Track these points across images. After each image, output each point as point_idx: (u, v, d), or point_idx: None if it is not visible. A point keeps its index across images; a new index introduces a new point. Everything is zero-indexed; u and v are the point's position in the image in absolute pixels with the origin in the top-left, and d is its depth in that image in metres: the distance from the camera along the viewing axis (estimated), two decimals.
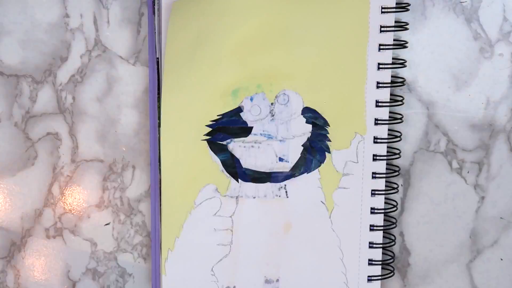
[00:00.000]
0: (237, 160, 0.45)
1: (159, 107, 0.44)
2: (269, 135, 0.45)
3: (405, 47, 0.44)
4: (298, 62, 0.44)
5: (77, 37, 0.46)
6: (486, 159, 0.46)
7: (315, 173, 0.45)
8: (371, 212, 0.45)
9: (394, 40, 0.43)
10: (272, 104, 0.44)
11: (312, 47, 0.44)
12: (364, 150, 0.44)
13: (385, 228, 0.45)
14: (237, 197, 0.45)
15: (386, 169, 0.45)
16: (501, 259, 0.46)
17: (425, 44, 0.45)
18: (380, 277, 0.45)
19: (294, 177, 0.45)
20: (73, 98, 0.47)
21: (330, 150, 0.44)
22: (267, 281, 0.46)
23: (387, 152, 0.44)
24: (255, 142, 0.45)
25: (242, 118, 0.45)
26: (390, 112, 0.44)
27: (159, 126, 0.44)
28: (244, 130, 0.45)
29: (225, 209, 0.45)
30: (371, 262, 0.45)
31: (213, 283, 0.46)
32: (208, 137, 0.45)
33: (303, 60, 0.44)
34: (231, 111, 0.44)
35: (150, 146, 0.46)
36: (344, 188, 0.45)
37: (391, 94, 0.44)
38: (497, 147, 0.45)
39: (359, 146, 0.44)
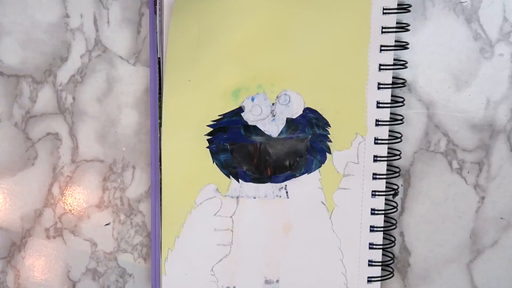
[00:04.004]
0: None
1: (160, 107, 0.44)
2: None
3: (406, 48, 0.44)
4: (300, 63, 0.44)
5: (77, 37, 0.46)
6: (486, 159, 0.46)
7: (315, 174, 0.45)
8: (372, 213, 0.45)
9: (395, 41, 0.43)
10: (273, 104, 0.44)
11: (314, 48, 0.44)
12: (365, 151, 0.44)
13: (385, 229, 0.45)
14: (237, 197, 0.45)
15: (386, 169, 0.45)
16: (501, 259, 0.46)
17: (426, 45, 0.45)
18: (380, 278, 0.45)
19: (295, 177, 0.45)
20: (73, 98, 0.47)
21: (331, 150, 0.44)
22: (267, 282, 0.46)
23: (388, 153, 0.44)
24: None
25: (243, 118, 0.44)
26: (390, 113, 0.44)
27: (160, 126, 0.44)
28: None
29: (225, 209, 0.45)
30: (371, 263, 0.45)
31: (213, 283, 0.46)
32: (209, 137, 0.44)
33: (304, 61, 0.44)
34: (232, 111, 0.44)
35: (151, 146, 0.46)
36: (345, 188, 0.45)
37: (391, 95, 0.44)
38: (497, 147, 0.45)
39: (360, 147, 0.44)
